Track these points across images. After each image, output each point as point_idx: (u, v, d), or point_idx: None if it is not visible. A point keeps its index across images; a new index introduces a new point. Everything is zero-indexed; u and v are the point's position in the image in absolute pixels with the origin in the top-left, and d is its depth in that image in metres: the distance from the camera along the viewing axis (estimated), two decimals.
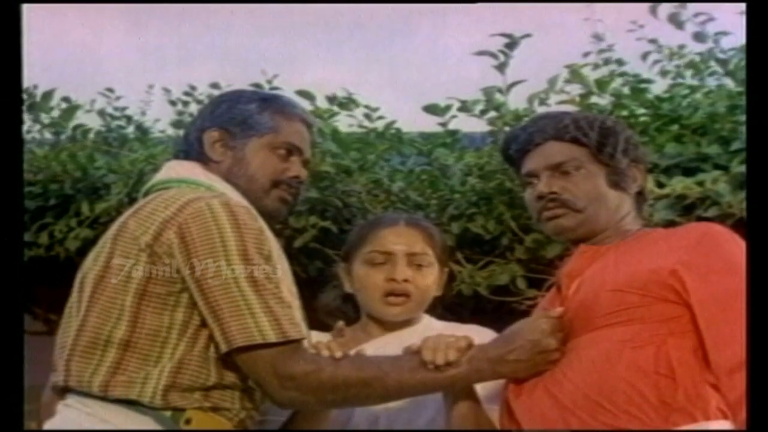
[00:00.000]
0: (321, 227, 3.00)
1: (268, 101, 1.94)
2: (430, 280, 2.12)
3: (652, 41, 3.33)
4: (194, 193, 1.75)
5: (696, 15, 3.17)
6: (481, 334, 1.94)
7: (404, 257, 2.08)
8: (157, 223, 1.69)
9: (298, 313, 1.74)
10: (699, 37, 3.19)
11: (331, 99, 3.26)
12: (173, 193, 1.76)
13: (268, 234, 1.76)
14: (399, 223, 2.14)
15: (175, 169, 1.89)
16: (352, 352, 1.77)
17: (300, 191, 1.97)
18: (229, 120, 1.89)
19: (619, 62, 3.26)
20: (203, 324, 1.68)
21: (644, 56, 3.30)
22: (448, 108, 3.06)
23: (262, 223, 1.75)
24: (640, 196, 1.96)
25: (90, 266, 1.76)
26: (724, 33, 3.20)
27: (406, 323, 2.11)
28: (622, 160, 1.90)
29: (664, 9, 3.16)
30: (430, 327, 2.10)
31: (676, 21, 3.16)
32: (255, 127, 1.89)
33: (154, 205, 1.74)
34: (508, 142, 2.00)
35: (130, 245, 1.70)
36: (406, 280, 2.07)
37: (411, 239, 2.11)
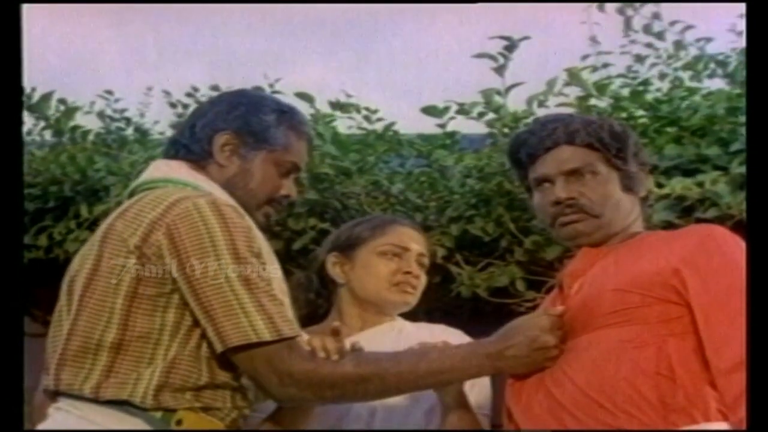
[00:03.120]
0: (320, 229, 3.00)
1: (286, 115, 1.92)
2: (425, 282, 2.25)
3: (648, 45, 3.32)
4: (180, 193, 1.74)
5: (673, 24, 3.18)
6: (450, 334, 2.07)
7: (416, 256, 2.22)
8: (145, 225, 1.68)
9: (290, 310, 1.73)
10: (680, 45, 3.20)
11: (333, 104, 3.27)
12: (159, 194, 1.75)
13: (257, 232, 1.76)
14: (408, 226, 2.31)
15: (160, 168, 1.88)
16: (348, 347, 1.77)
17: (285, 207, 1.98)
18: (245, 126, 1.87)
19: (638, 60, 3.25)
20: (195, 324, 1.68)
21: (642, 59, 3.30)
22: (446, 110, 3.06)
23: (249, 221, 1.75)
24: (644, 199, 1.97)
25: (77, 269, 1.76)
26: (708, 39, 3.20)
27: (382, 320, 2.21)
28: (633, 164, 1.91)
29: (639, 20, 3.19)
30: (403, 326, 2.22)
31: (651, 32, 3.17)
32: (270, 140, 1.87)
33: (140, 206, 1.73)
34: (516, 146, 1.99)
35: (118, 247, 1.69)
36: (417, 276, 2.21)
37: (422, 241, 2.28)
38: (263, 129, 1.87)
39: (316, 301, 2.26)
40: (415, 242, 2.23)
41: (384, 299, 2.19)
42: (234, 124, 1.87)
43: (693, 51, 3.19)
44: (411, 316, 2.26)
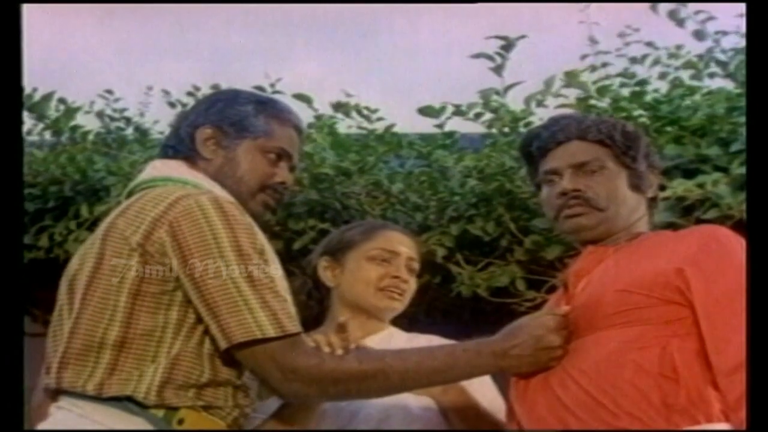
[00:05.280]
0: (320, 229, 3.00)
1: (265, 104, 1.94)
2: (414, 286, 2.25)
3: (649, 44, 3.32)
4: (182, 191, 1.74)
5: (697, 13, 3.17)
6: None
7: (405, 260, 2.22)
8: (147, 222, 1.68)
9: (293, 307, 1.73)
10: (699, 35, 3.19)
11: (333, 105, 3.27)
12: (160, 192, 1.75)
13: (258, 229, 1.76)
14: (398, 230, 2.31)
15: (159, 168, 1.88)
16: (353, 345, 1.77)
17: (284, 197, 1.97)
18: (224, 119, 1.89)
19: (634, 62, 3.24)
20: (198, 321, 1.68)
21: (642, 59, 3.30)
22: (443, 110, 3.06)
23: (251, 219, 1.75)
24: (652, 201, 1.98)
25: (78, 268, 1.75)
26: (724, 33, 3.20)
27: (376, 330, 2.20)
28: (642, 164, 1.92)
29: (665, 6, 3.17)
30: (397, 335, 2.21)
31: (676, 18, 3.16)
32: (249, 128, 1.88)
33: (142, 204, 1.72)
34: (529, 140, 2.01)
35: (120, 245, 1.69)
36: (406, 281, 2.20)
37: (412, 246, 2.27)
38: (241, 119, 1.89)
39: (308, 303, 2.25)
40: (404, 246, 2.23)
41: (370, 304, 2.19)
42: (213, 119, 1.89)
43: (709, 43, 3.18)
44: (411, 315, 2.26)
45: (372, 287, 2.18)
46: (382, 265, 2.19)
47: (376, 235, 2.24)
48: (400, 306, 2.21)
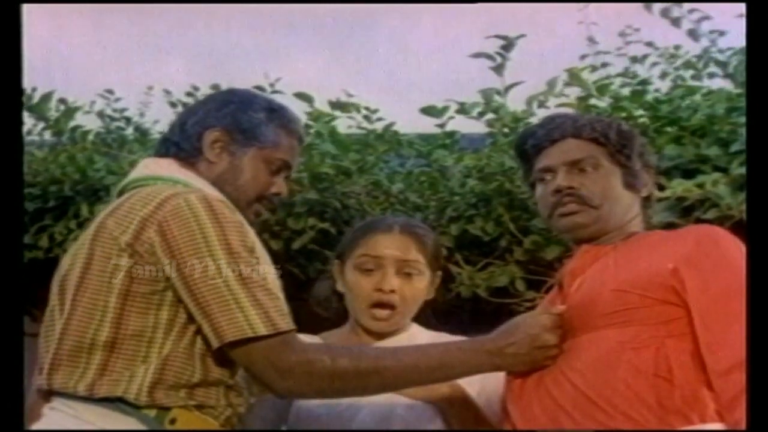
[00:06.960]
0: (320, 229, 3.00)
1: (275, 112, 1.92)
2: (419, 288, 2.09)
3: (648, 44, 3.33)
4: (171, 190, 1.73)
5: (691, 12, 3.18)
6: None
7: (394, 264, 2.05)
8: (136, 222, 1.67)
9: (285, 304, 1.72)
10: (694, 34, 3.19)
11: (333, 104, 3.26)
12: (150, 191, 1.74)
13: (248, 227, 1.75)
14: (393, 230, 2.09)
15: (149, 166, 1.88)
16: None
17: (275, 206, 1.97)
18: (235, 123, 1.87)
19: (634, 62, 3.25)
20: (189, 321, 1.67)
21: (642, 59, 3.30)
22: (445, 110, 3.06)
23: (240, 216, 1.74)
24: (647, 200, 1.98)
25: (69, 268, 1.75)
26: (721, 32, 3.20)
27: (394, 332, 2.10)
28: (637, 163, 1.92)
29: (658, 5, 3.17)
30: (417, 336, 2.10)
31: (669, 16, 3.17)
32: (259, 137, 1.87)
33: (131, 204, 1.71)
34: (524, 138, 2.01)
35: (110, 245, 1.68)
36: (392, 291, 2.04)
37: (403, 246, 2.07)
38: (253, 126, 1.88)
39: (331, 298, 2.16)
40: (391, 249, 2.05)
41: (364, 322, 2.06)
42: (224, 122, 1.88)
43: (705, 42, 3.19)
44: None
45: (363, 303, 2.04)
46: (370, 275, 2.05)
47: (362, 240, 2.08)
48: (385, 325, 2.05)
